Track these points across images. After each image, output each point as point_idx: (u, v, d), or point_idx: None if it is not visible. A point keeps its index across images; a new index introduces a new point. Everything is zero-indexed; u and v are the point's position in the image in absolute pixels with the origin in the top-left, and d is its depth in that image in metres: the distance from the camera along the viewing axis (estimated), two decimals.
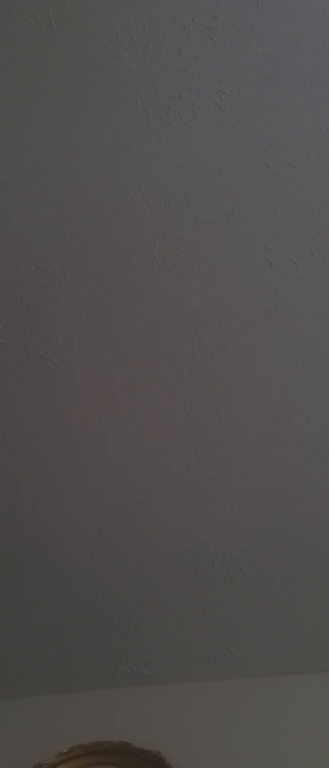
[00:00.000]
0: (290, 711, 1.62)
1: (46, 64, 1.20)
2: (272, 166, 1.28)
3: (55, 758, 1.52)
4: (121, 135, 1.25)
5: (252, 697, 1.64)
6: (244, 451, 1.50)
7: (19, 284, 1.35)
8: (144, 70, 1.21)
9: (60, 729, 1.58)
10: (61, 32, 1.17)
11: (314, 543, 1.59)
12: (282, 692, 1.65)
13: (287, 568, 1.61)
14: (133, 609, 1.63)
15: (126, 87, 1.22)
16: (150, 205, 1.30)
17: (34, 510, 1.53)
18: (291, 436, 1.50)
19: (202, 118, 1.24)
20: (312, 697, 1.65)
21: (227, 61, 1.20)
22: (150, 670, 1.68)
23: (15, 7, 1.15)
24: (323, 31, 1.20)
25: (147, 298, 1.37)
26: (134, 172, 1.27)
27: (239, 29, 1.18)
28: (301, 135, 1.26)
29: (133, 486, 1.52)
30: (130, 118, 1.24)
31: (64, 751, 1.52)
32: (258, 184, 1.29)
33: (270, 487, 1.54)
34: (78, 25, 1.17)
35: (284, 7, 1.18)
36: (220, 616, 1.65)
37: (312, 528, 1.58)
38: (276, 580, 1.62)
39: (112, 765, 1.51)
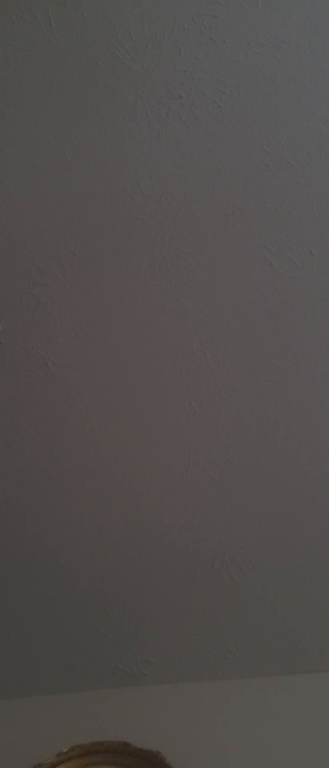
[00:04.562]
0: (290, 711, 1.62)
1: (46, 64, 1.20)
2: (272, 166, 1.28)
3: (55, 758, 1.52)
4: (121, 135, 1.25)
5: (252, 697, 1.65)
6: (244, 451, 1.50)
7: (19, 284, 1.35)
8: (144, 70, 1.21)
9: (60, 729, 1.58)
10: (61, 32, 1.17)
11: (314, 543, 1.59)
12: (282, 692, 1.65)
13: (287, 568, 1.61)
14: (133, 609, 1.63)
15: (126, 87, 1.22)
16: (150, 205, 1.30)
17: (33, 510, 1.53)
18: (291, 436, 1.50)
19: (202, 118, 1.24)
20: (312, 697, 1.65)
21: (227, 61, 1.20)
22: (150, 670, 1.68)
23: (15, 7, 1.15)
24: (323, 31, 1.19)
25: (147, 298, 1.37)
26: (134, 172, 1.27)
27: (239, 29, 1.18)
28: (301, 135, 1.26)
29: (133, 486, 1.52)
30: (130, 118, 1.24)
31: (64, 751, 1.52)
32: (258, 184, 1.29)
33: (270, 487, 1.54)
34: (78, 25, 1.17)
35: (284, 7, 1.18)
36: (220, 616, 1.64)
37: (311, 528, 1.58)
38: (275, 580, 1.62)
39: (112, 765, 1.51)
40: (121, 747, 1.52)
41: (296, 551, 1.60)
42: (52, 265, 1.33)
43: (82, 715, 1.63)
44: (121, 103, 1.23)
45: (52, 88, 1.21)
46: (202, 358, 1.42)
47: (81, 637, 1.65)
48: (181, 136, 1.25)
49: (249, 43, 1.19)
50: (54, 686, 1.69)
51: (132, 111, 1.23)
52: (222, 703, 1.65)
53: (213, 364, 1.43)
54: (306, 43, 1.20)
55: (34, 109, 1.22)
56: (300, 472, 1.53)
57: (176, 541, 1.57)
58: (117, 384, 1.44)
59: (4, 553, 1.57)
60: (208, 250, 1.34)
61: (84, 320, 1.38)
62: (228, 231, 1.33)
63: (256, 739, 1.57)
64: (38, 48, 1.18)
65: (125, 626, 1.65)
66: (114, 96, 1.22)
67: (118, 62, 1.20)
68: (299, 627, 1.66)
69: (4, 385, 1.43)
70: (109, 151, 1.26)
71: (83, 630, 1.65)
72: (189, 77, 1.21)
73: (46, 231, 1.31)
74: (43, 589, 1.61)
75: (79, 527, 1.56)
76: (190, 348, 1.41)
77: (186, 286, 1.37)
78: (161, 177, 1.28)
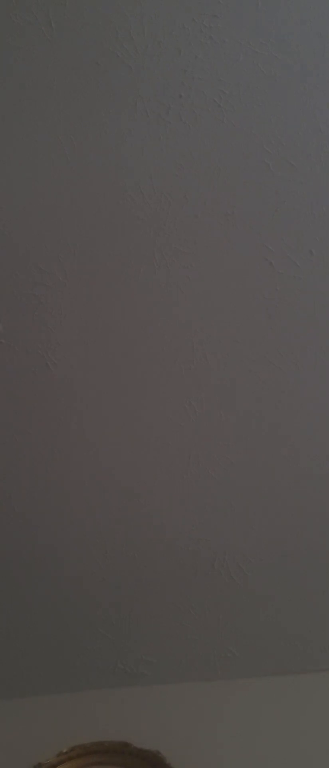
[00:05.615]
0: (290, 711, 1.62)
1: (46, 64, 1.20)
2: (272, 166, 1.28)
3: (55, 758, 1.52)
4: (121, 135, 1.25)
5: (252, 697, 1.65)
6: (244, 451, 1.50)
7: (19, 284, 1.35)
8: (144, 70, 1.21)
9: (60, 729, 1.58)
10: (61, 32, 1.17)
11: (314, 543, 1.59)
12: (282, 692, 1.65)
13: (286, 568, 1.61)
14: (133, 609, 1.63)
15: (126, 87, 1.22)
16: (150, 205, 1.30)
17: (34, 510, 1.53)
18: (290, 436, 1.50)
19: (202, 118, 1.24)
20: (312, 697, 1.65)
21: (227, 61, 1.20)
22: (150, 670, 1.68)
23: (15, 7, 1.15)
24: (323, 30, 1.19)
25: (147, 298, 1.37)
26: (134, 172, 1.27)
27: (239, 29, 1.18)
28: (301, 135, 1.26)
29: (133, 486, 1.52)
30: (130, 118, 1.24)
31: (64, 751, 1.52)
32: (258, 184, 1.29)
33: (270, 487, 1.54)
34: (78, 25, 1.17)
35: (284, 6, 1.18)
36: (220, 616, 1.64)
37: (311, 528, 1.58)
38: (275, 579, 1.62)
39: (112, 765, 1.51)
40: (121, 747, 1.52)
41: (296, 551, 1.60)
42: (52, 265, 1.33)
43: (82, 715, 1.63)
44: (121, 103, 1.23)
45: (52, 88, 1.21)
46: (202, 358, 1.42)
47: (81, 637, 1.65)
48: (181, 136, 1.25)
49: (249, 43, 1.19)
50: (54, 686, 1.69)
51: (132, 111, 1.23)
52: (222, 703, 1.65)
53: (213, 364, 1.43)
54: (306, 43, 1.20)
55: (34, 109, 1.22)
56: (300, 472, 1.53)
57: (176, 541, 1.57)
58: (117, 384, 1.44)
59: (4, 553, 1.57)
60: (208, 250, 1.34)
61: (84, 320, 1.38)
62: (228, 231, 1.33)
63: (256, 739, 1.57)
64: (38, 48, 1.18)
65: (125, 626, 1.65)
66: (114, 96, 1.22)
67: (118, 62, 1.20)
68: (299, 627, 1.66)
69: (4, 385, 1.43)
70: (109, 151, 1.26)
71: (83, 630, 1.65)
72: (189, 77, 1.21)
73: (46, 231, 1.31)
74: (43, 589, 1.61)
75: (79, 527, 1.56)
76: (190, 348, 1.41)
77: (186, 286, 1.37)
78: (161, 177, 1.28)
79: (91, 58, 1.20)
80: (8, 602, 1.62)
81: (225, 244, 1.34)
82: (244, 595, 1.63)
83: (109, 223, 1.31)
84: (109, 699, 1.66)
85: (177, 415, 1.47)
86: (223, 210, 1.31)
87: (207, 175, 1.28)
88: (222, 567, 1.60)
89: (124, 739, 1.53)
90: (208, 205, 1.30)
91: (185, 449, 1.49)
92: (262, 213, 1.31)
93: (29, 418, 1.46)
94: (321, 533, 1.59)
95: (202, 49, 1.19)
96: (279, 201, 1.31)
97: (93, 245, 1.33)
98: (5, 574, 1.59)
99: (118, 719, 1.60)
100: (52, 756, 1.52)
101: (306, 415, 1.48)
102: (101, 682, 1.69)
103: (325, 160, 1.28)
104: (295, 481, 1.54)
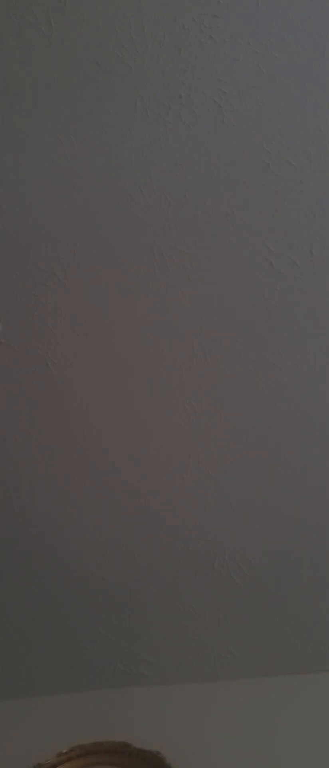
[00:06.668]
0: (290, 711, 1.62)
1: (46, 64, 1.20)
2: (272, 166, 1.28)
3: (55, 758, 1.52)
4: (121, 135, 1.25)
5: (252, 697, 1.65)
6: (244, 451, 1.50)
7: (19, 284, 1.35)
8: (144, 70, 1.21)
9: (60, 729, 1.58)
10: (61, 32, 1.17)
11: (314, 543, 1.59)
12: (282, 692, 1.65)
13: (287, 568, 1.61)
14: (133, 609, 1.63)
15: (126, 87, 1.22)
16: (150, 205, 1.30)
17: (34, 510, 1.53)
18: (290, 436, 1.50)
19: (202, 118, 1.24)
20: (312, 697, 1.65)
21: (227, 60, 1.20)
22: (150, 670, 1.68)
23: (15, 7, 1.15)
24: (323, 30, 1.19)
25: (146, 298, 1.37)
26: (134, 172, 1.27)
27: (239, 29, 1.18)
28: (301, 135, 1.26)
29: (133, 486, 1.52)
30: (130, 118, 1.24)
31: (64, 751, 1.52)
32: (258, 184, 1.29)
33: (270, 487, 1.54)
34: (78, 25, 1.17)
35: (284, 6, 1.18)
36: (220, 616, 1.64)
37: (311, 528, 1.58)
38: (275, 579, 1.62)
39: (112, 765, 1.52)
40: (121, 747, 1.52)
41: (296, 551, 1.60)
42: (52, 265, 1.34)
43: (82, 715, 1.63)
44: (121, 103, 1.23)
45: (52, 88, 1.21)
46: (202, 358, 1.42)
47: (81, 637, 1.65)
48: (181, 136, 1.25)
49: (249, 43, 1.19)
50: (54, 686, 1.69)
51: (132, 111, 1.23)
52: (222, 703, 1.65)
53: (213, 364, 1.43)
54: (306, 43, 1.20)
55: (34, 109, 1.22)
56: (300, 473, 1.53)
57: (176, 541, 1.57)
58: (117, 384, 1.44)
59: (4, 553, 1.57)
60: (208, 250, 1.34)
61: (84, 320, 1.38)
62: (228, 231, 1.33)
63: (256, 739, 1.57)
64: (38, 48, 1.18)
65: (125, 626, 1.65)
66: (114, 96, 1.22)
67: (118, 62, 1.20)
68: (299, 627, 1.66)
69: (4, 385, 1.43)
70: (109, 151, 1.26)
71: (83, 630, 1.65)
72: (189, 77, 1.21)
73: (46, 231, 1.31)
74: (43, 589, 1.61)
75: (79, 527, 1.56)
76: (190, 348, 1.41)
77: (186, 286, 1.36)
78: (161, 177, 1.28)
79: (91, 58, 1.20)
80: (8, 602, 1.62)
81: (225, 244, 1.34)
82: (244, 595, 1.63)
83: (109, 223, 1.31)
84: (109, 699, 1.66)
85: (177, 415, 1.47)
86: (223, 210, 1.31)
87: (207, 175, 1.28)
88: (222, 567, 1.60)
89: (124, 739, 1.53)
90: (208, 205, 1.30)
91: (185, 449, 1.49)
92: (262, 213, 1.31)
93: (29, 418, 1.46)
94: (321, 533, 1.59)
95: (202, 49, 1.19)
96: (279, 201, 1.31)
97: (93, 245, 1.33)
98: (5, 574, 1.59)
99: (118, 719, 1.60)
100: (51, 756, 1.52)
101: (306, 414, 1.48)
102: (101, 682, 1.69)
103: (325, 160, 1.28)
104: (295, 480, 1.54)
